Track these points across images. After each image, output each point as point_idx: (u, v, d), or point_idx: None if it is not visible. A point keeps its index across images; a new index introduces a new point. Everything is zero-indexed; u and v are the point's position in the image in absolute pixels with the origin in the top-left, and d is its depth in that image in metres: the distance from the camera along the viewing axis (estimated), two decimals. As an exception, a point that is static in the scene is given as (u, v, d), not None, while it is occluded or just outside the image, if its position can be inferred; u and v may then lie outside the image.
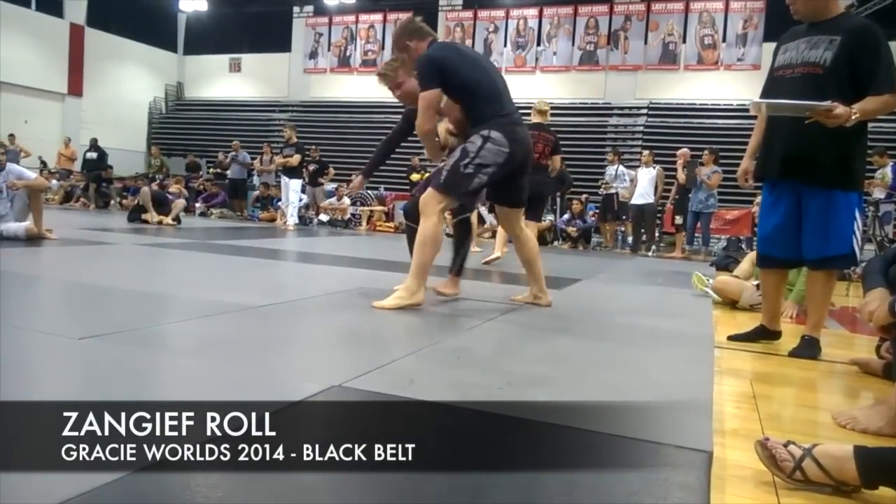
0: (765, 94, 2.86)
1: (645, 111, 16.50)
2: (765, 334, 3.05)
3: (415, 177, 13.98)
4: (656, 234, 10.94)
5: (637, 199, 10.10)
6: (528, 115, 6.50)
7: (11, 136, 15.03)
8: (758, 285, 4.40)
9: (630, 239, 10.83)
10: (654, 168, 10.06)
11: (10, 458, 1.23)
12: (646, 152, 10.59)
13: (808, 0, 2.72)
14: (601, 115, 16.85)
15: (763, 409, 1.97)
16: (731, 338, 3.09)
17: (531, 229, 6.45)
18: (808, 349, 2.81)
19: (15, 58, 17.39)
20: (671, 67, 16.88)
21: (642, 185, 10.06)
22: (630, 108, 16.73)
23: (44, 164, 15.09)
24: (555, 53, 17.83)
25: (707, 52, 16.64)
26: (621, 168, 10.92)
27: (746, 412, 1.94)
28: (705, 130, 14.80)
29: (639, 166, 10.85)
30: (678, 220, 9.87)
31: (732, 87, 16.22)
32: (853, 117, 2.49)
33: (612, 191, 10.72)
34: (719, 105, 16.17)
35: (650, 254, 10.08)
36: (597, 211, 11.82)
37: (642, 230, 10.39)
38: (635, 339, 2.95)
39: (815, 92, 2.58)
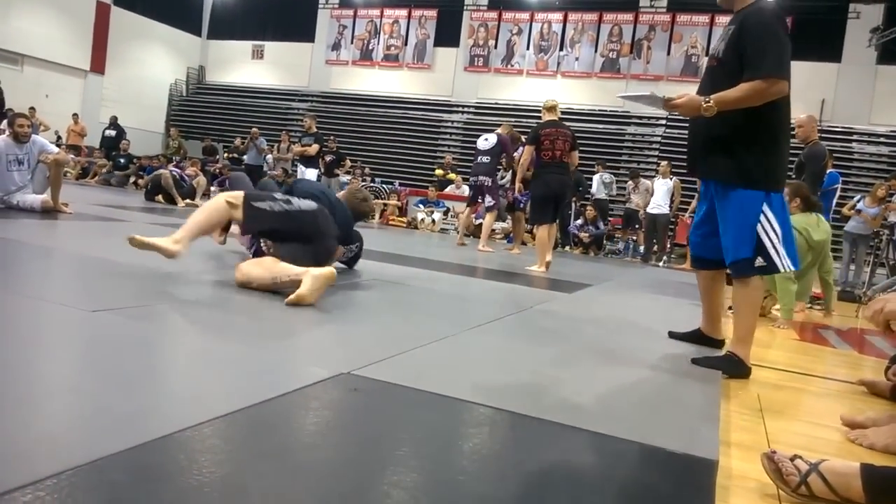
0: None
1: (664, 121, 16.43)
2: (702, 339, 2.88)
3: (439, 172, 14.07)
4: (668, 245, 10.92)
5: (652, 209, 10.09)
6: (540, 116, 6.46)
7: (32, 109, 15.11)
8: None
9: (642, 248, 10.82)
10: (672, 179, 10.05)
11: (19, 422, 1.25)
12: (664, 163, 10.58)
13: None
14: (620, 124, 16.80)
15: (769, 423, 1.96)
16: (671, 334, 3.01)
17: (550, 231, 6.38)
18: (723, 363, 2.54)
19: (39, 32, 17.53)
20: (693, 80, 16.77)
21: (658, 196, 10.05)
22: (649, 117, 16.67)
23: (60, 139, 15.20)
24: (577, 59, 17.78)
25: (729, 66, 16.56)
26: (606, 176, 11.60)
27: (752, 424, 1.94)
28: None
29: (655, 176, 10.83)
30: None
31: (755, 102, 16.14)
32: (704, 105, 2.40)
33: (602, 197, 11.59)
34: (739, 120, 16.09)
35: (661, 264, 10.05)
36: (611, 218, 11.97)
37: (654, 240, 10.38)
38: (643, 347, 2.94)
39: (711, 84, 2.51)
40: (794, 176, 5.48)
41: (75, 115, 15.99)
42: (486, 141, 7.90)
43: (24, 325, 1.98)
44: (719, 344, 2.86)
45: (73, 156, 13.77)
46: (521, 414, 1.64)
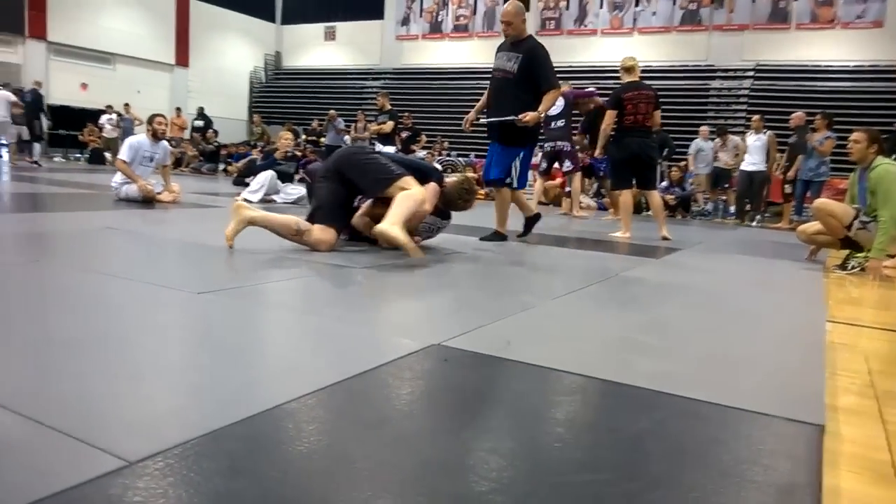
0: None
1: (751, 73, 15.58)
2: (497, 237, 4.67)
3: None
4: (762, 204, 10.34)
5: (746, 166, 9.54)
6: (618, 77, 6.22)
7: (126, 105, 16.03)
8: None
9: (732, 208, 10.35)
10: (765, 133, 9.46)
11: (144, 395, 1.35)
12: (755, 117, 9.95)
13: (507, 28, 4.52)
14: (702, 78, 16.05)
15: (879, 386, 1.86)
16: (482, 238, 4.66)
17: (653, 197, 6.21)
18: (492, 236, 4.68)
19: (128, 31, 18.48)
20: (782, 27, 15.81)
21: (752, 152, 9.50)
22: (735, 70, 15.83)
23: (154, 132, 16.01)
24: (654, 14, 17.07)
25: (822, 9, 15.43)
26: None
27: (861, 388, 1.85)
28: (818, 94, 13.82)
29: (744, 132, 10.28)
30: (787, 188, 9.31)
31: (850, 46, 15.03)
32: (538, 115, 4.37)
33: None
34: (834, 66, 15.02)
35: (754, 224, 9.60)
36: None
37: (747, 199, 9.85)
38: (742, 310, 2.85)
39: (502, 90, 4.55)
40: None
41: (178, 108, 16.90)
42: (556, 105, 7.79)
43: (140, 308, 2.13)
44: (506, 238, 4.73)
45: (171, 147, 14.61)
46: (613, 381, 1.63)
